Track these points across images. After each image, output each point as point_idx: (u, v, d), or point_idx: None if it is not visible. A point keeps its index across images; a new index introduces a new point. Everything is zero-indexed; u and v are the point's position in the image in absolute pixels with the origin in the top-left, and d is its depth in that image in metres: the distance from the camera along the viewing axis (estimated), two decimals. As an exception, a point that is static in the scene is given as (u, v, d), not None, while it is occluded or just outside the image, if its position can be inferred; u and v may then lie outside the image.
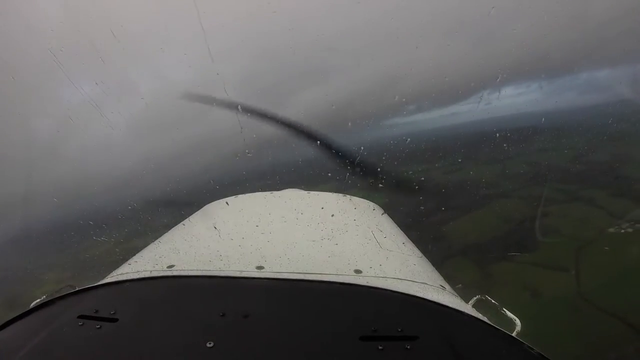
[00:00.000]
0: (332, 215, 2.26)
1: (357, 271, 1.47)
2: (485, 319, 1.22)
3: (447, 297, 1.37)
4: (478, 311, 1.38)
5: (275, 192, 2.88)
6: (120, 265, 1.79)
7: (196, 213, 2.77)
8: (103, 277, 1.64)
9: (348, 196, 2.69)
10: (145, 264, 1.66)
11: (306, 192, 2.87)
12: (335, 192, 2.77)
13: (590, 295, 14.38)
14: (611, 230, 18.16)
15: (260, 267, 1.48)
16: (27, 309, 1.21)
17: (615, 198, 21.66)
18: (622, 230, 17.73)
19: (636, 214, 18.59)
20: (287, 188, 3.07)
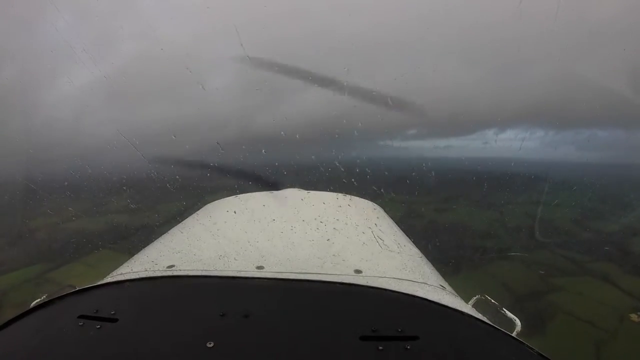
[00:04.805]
0: (332, 215, 2.26)
1: (357, 271, 1.47)
2: (485, 319, 1.21)
3: (447, 297, 1.36)
4: (478, 311, 1.37)
5: (275, 192, 2.89)
6: (120, 265, 1.80)
7: (196, 213, 2.78)
8: (103, 277, 1.64)
9: (348, 196, 2.71)
10: (145, 264, 1.66)
11: (306, 191, 2.88)
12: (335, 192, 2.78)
13: None
14: (634, 317, 15.30)
15: (260, 267, 1.48)
16: (27, 309, 1.20)
17: (632, 276, 18.37)
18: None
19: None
20: (287, 188, 3.07)
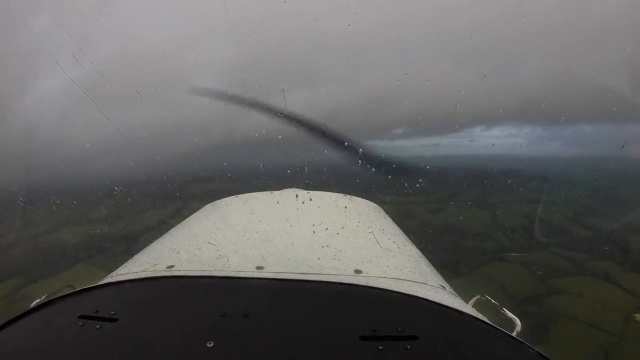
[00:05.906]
0: (332, 215, 2.26)
1: (357, 271, 1.47)
2: (485, 319, 1.21)
3: (447, 297, 1.36)
4: (478, 311, 1.37)
5: (275, 192, 2.90)
6: (120, 265, 1.80)
7: (196, 213, 2.78)
8: (103, 278, 1.65)
9: (348, 196, 2.71)
10: (145, 264, 1.66)
11: (306, 192, 2.87)
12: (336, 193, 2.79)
13: None
14: (639, 317, 15.27)
15: (260, 267, 1.48)
16: (27, 309, 1.20)
17: (633, 274, 17.49)
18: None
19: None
20: (287, 188, 3.08)
